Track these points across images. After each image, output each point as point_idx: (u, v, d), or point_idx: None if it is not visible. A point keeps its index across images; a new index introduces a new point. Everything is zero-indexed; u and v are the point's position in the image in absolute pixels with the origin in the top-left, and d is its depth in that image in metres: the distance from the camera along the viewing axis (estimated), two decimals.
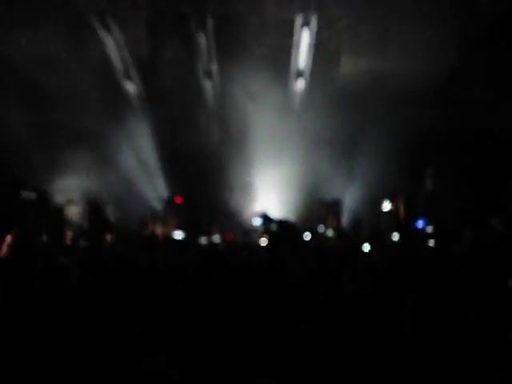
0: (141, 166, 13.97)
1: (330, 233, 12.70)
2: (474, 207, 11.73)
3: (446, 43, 12.64)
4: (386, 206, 13.37)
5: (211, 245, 11.58)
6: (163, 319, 4.46)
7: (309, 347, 3.67)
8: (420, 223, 12.44)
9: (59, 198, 12.89)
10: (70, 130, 13.26)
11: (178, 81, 13.61)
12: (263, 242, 10.37)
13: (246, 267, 6.69)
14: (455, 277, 5.44)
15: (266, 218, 11.67)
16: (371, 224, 12.91)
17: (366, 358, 3.62)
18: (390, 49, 12.95)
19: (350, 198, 13.95)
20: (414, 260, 7.42)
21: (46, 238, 9.37)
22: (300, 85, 14.00)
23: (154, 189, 14.15)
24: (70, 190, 13.12)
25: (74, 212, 12.82)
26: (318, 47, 13.39)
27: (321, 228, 12.88)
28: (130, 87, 13.88)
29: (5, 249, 6.74)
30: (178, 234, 12.30)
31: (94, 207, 12.72)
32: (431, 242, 10.16)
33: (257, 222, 11.72)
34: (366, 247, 10.30)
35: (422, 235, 11.64)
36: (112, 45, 13.26)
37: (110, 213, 13.17)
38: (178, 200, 13.95)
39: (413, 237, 11.69)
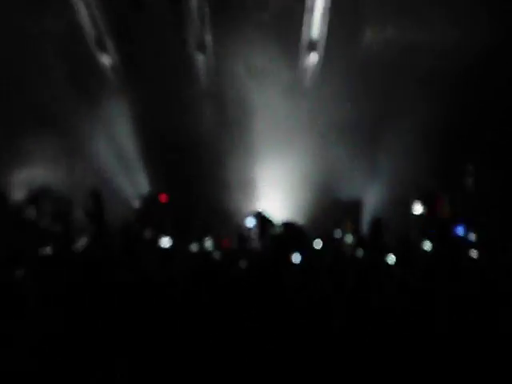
0: (118, 156, 13.90)
1: (348, 239, 12.38)
2: None
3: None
4: (418, 208, 13.10)
5: (204, 253, 11.47)
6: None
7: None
8: (460, 230, 12.18)
9: (19, 195, 12.95)
10: (31, 112, 13.24)
11: (163, 53, 13.46)
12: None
13: (246, 283, 6.70)
14: (505, 297, 5.47)
15: (261, 219, 11.51)
16: (398, 230, 12.48)
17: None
18: (425, 13, 12.85)
19: (372, 198, 13.87)
20: (452, 274, 7.41)
21: None
22: (312, 59, 13.90)
23: (135, 185, 14.14)
24: (32, 185, 13.11)
25: (35, 211, 12.49)
26: (335, 13, 13.35)
27: (337, 233, 12.65)
28: (105, 60, 13.75)
29: None
30: (165, 241, 12.07)
31: (62, 205, 12.58)
32: (474, 253, 10.01)
33: (250, 222, 11.53)
34: (392, 258, 10.27)
35: (463, 244, 11.44)
36: (82, 8, 13.27)
37: (80, 212, 12.67)
38: (163, 198, 13.81)
39: (451, 246, 11.37)
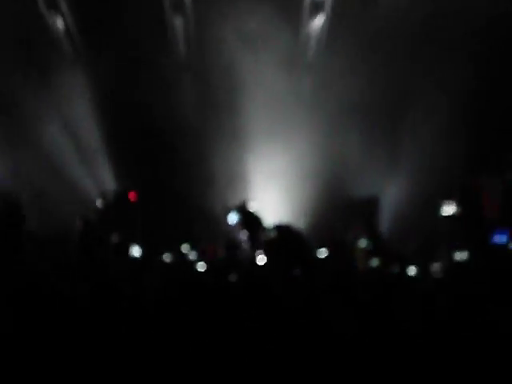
0: (75, 144, 13.91)
1: (362, 243, 12.59)
2: None
3: None
4: (448, 208, 13.05)
5: (182, 264, 11.68)
6: None
7: None
8: (501, 237, 12.22)
9: None
10: None
11: (131, 15, 13.27)
12: (260, 259, 10.81)
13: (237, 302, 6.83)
14: None
15: (244, 214, 11.87)
16: (422, 234, 12.95)
17: None
18: None
19: (391, 196, 13.80)
20: (493, 289, 7.55)
21: None
22: (318, 23, 13.82)
23: (96, 180, 14.08)
24: None
25: None
26: None
27: (348, 238, 12.80)
28: (59, 24, 13.61)
29: None
30: (136, 250, 12.54)
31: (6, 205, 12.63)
32: None
33: (232, 218, 11.90)
34: (412, 269, 10.94)
35: (504, 253, 11.76)
36: None
37: (28, 215, 12.78)
38: (133, 196, 13.84)
39: (490, 255, 11.62)
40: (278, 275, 8.65)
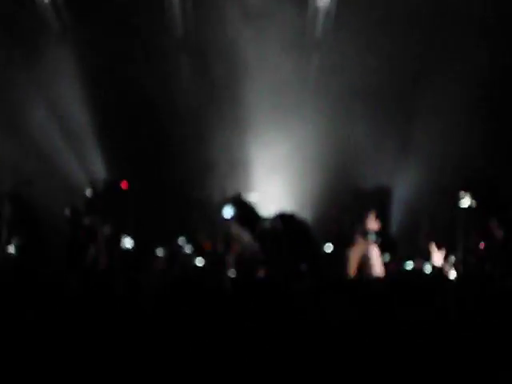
0: (63, 129, 13.78)
1: (372, 237, 12.19)
2: None
3: None
4: (466, 199, 12.72)
5: (177, 258, 11.80)
6: None
7: None
8: None
9: None
10: None
11: None
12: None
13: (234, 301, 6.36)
14: None
15: (240, 206, 11.18)
16: (438, 227, 12.85)
17: None
18: None
19: (404, 186, 13.65)
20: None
21: None
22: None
23: (86, 168, 14.01)
24: None
25: None
26: None
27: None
28: None
29: None
30: (128, 241, 12.63)
31: None
32: None
33: (227, 212, 11.38)
34: (427, 266, 10.86)
35: None
36: None
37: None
38: (125, 185, 13.79)
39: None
40: (281, 270, 8.46)
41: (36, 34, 13.24)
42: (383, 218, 13.03)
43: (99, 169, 14.00)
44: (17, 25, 13.00)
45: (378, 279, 10.74)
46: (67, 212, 11.90)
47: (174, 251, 12.15)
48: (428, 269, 11.21)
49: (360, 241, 11.33)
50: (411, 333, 5.49)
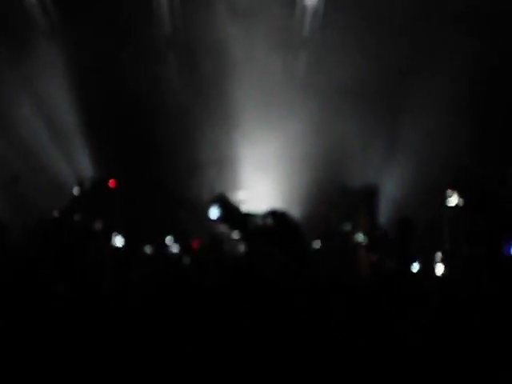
0: (50, 127, 13.71)
1: (360, 237, 12.46)
2: None
3: None
4: (453, 198, 12.69)
5: (164, 258, 11.66)
6: None
7: None
8: None
9: None
10: None
11: None
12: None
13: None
14: None
15: (225, 206, 11.19)
16: (425, 226, 12.59)
17: None
18: None
19: (392, 184, 13.58)
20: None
21: None
22: None
23: (73, 166, 13.93)
24: None
25: None
26: None
27: (347, 226, 12.75)
28: None
29: None
30: (118, 240, 12.52)
31: None
32: None
33: (213, 213, 11.24)
34: (415, 266, 10.86)
35: None
36: None
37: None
38: (113, 184, 13.69)
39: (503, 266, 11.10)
40: (271, 268, 8.44)
41: (23, 32, 13.17)
42: (371, 217, 13.34)
43: (87, 167, 13.93)
44: (4, 22, 12.93)
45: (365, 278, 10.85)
46: (55, 213, 11.81)
47: (161, 250, 12.05)
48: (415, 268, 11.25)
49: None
50: (401, 332, 5.69)
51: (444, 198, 12.78)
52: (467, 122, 12.77)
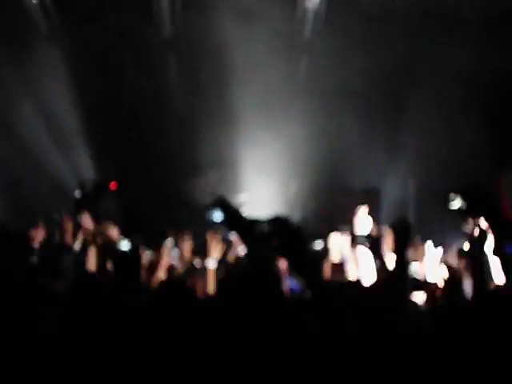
0: (52, 131, 13.67)
1: (362, 239, 11.94)
2: None
3: None
4: (456, 201, 12.54)
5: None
6: None
7: None
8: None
9: None
10: None
11: None
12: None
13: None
14: None
15: (226, 209, 11.05)
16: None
17: None
18: None
19: (393, 187, 13.70)
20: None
21: None
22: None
23: (74, 168, 13.94)
24: None
25: None
26: None
27: (348, 228, 12.56)
28: None
29: None
30: (124, 244, 11.88)
31: None
32: None
33: (216, 216, 11.17)
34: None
35: None
36: None
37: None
38: (114, 186, 13.80)
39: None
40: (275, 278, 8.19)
41: (24, 35, 13.13)
42: (373, 218, 13.67)
43: (88, 170, 13.94)
44: (4, 25, 12.84)
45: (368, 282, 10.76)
46: (57, 218, 11.65)
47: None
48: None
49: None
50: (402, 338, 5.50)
51: (446, 201, 13.06)
52: (469, 123, 12.86)
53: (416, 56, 13.22)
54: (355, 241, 12.29)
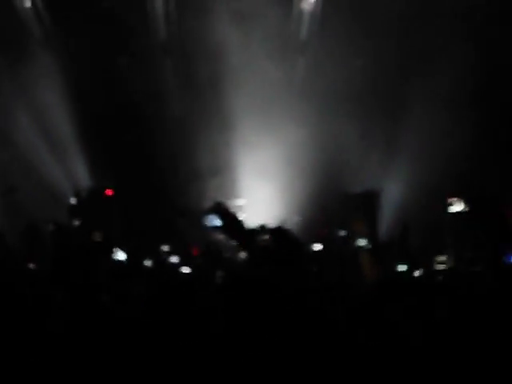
0: (47, 136, 13.62)
1: (361, 242, 12.50)
2: None
3: None
4: (457, 204, 12.83)
5: (166, 269, 11.44)
6: None
7: None
8: None
9: None
10: None
11: None
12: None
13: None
14: None
15: (222, 213, 11.11)
16: (427, 231, 12.83)
17: None
18: None
19: (392, 190, 13.58)
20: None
21: None
22: (310, 1, 13.45)
23: (70, 175, 13.90)
24: None
25: None
26: None
27: (347, 231, 12.91)
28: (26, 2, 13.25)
29: None
30: (120, 254, 12.32)
31: None
32: None
33: (214, 220, 11.30)
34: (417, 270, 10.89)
35: None
36: None
37: None
38: (110, 193, 13.78)
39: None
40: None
41: (18, 41, 13.14)
42: (371, 222, 13.35)
43: (84, 176, 13.93)
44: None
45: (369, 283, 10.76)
46: (51, 227, 11.84)
47: (160, 261, 11.92)
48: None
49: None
50: (404, 336, 5.53)
51: (446, 203, 12.91)
52: (469, 125, 12.68)
53: (415, 57, 13.14)
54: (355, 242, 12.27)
